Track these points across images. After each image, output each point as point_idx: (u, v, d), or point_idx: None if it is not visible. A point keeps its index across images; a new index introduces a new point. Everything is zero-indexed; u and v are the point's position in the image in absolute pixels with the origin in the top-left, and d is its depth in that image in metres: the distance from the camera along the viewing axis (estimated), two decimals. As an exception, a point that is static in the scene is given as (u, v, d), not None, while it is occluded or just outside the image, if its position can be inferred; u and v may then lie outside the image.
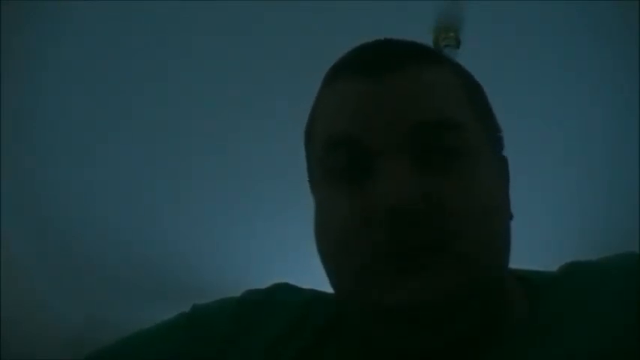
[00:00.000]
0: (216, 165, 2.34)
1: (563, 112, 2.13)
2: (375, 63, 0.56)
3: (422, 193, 0.50)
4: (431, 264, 0.50)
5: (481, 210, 0.53)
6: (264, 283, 0.69)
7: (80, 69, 2.03)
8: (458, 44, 1.88)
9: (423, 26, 1.87)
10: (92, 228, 2.58)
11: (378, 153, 0.52)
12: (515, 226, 0.58)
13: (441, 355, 0.52)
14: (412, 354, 0.53)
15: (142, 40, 1.95)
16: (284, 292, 0.67)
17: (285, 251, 2.59)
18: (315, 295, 0.66)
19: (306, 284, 0.69)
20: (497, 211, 0.55)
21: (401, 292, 0.50)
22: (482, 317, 0.53)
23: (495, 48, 1.87)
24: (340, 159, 0.54)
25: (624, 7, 1.75)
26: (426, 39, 1.87)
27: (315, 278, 0.71)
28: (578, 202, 2.44)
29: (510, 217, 0.58)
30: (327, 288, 0.68)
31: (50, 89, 2.09)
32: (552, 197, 2.36)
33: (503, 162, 0.61)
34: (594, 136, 2.21)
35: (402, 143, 0.52)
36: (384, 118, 0.53)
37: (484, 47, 1.88)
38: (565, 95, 2.08)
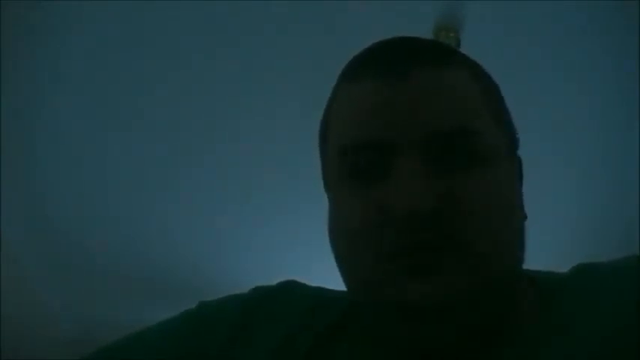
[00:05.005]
0: (218, 164, 2.34)
1: (563, 111, 2.14)
2: (393, 64, 0.55)
3: (435, 194, 0.51)
4: (441, 265, 0.51)
5: (495, 211, 0.53)
6: (265, 283, 0.69)
7: (81, 69, 2.03)
8: (458, 44, 1.88)
9: (423, 26, 1.87)
10: (92, 228, 2.58)
11: (396, 154, 0.53)
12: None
13: (453, 353, 0.53)
14: (423, 352, 0.54)
15: (144, 40, 1.95)
16: (292, 289, 0.67)
17: (287, 251, 2.59)
18: (323, 293, 0.66)
19: (308, 284, 0.69)
20: (511, 212, 0.56)
21: (412, 293, 0.51)
22: (494, 317, 0.54)
23: (495, 48, 1.87)
24: (358, 160, 0.54)
25: (624, 7, 1.75)
26: (426, 39, 1.87)
27: (318, 278, 0.71)
28: (576, 202, 2.44)
29: (524, 217, 0.59)
30: (331, 287, 0.68)
31: (50, 89, 2.09)
32: (551, 197, 2.36)
33: (518, 162, 0.62)
34: (594, 136, 2.21)
35: (419, 146, 0.52)
36: (403, 121, 0.53)
37: (484, 47, 1.88)
38: (565, 95, 2.08)
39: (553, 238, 2.32)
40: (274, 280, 0.68)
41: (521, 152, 0.62)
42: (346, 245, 0.55)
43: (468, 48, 1.91)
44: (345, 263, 0.56)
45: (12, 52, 1.94)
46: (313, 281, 0.68)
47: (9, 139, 2.22)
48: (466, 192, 0.52)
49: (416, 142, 0.52)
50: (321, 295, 0.66)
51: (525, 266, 0.60)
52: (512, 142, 0.60)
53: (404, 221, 0.50)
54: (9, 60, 1.95)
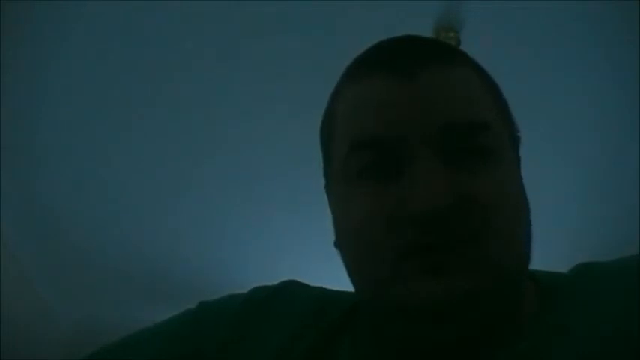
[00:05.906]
0: (217, 164, 2.34)
1: (563, 111, 2.14)
2: (403, 61, 0.55)
3: (454, 193, 0.50)
4: (456, 265, 0.50)
5: (509, 210, 0.53)
6: (265, 283, 0.69)
7: (81, 69, 2.03)
8: (458, 44, 1.88)
9: (423, 26, 1.87)
10: (92, 228, 2.58)
11: (410, 153, 0.52)
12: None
13: (453, 353, 0.53)
14: (424, 352, 0.54)
15: (146, 40, 1.95)
16: (292, 288, 0.67)
17: (287, 251, 2.59)
18: (324, 293, 0.66)
19: (309, 284, 0.69)
20: (523, 210, 0.56)
21: (425, 293, 0.50)
22: (500, 316, 0.54)
23: (495, 48, 1.87)
24: (369, 158, 0.54)
25: (624, 7, 1.75)
26: (426, 39, 1.87)
27: (318, 278, 0.71)
28: (576, 202, 2.44)
29: (529, 212, 0.58)
30: (331, 287, 0.68)
31: (50, 89, 2.09)
32: (551, 197, 2.36)
33: (519, 161, 0.62)
34: (594, 136, 2.21)
35: (433, 143, 0.52)
36: (416, 117, 0.53)
37: (484, 47, 1.88)
38: (565, 95, 2.08)
39: (553, 239, 2.32)
40: (274, 280, 0.68)
41: (522, 152, 0.62)
42: (358, 245, 0.54)
43: (468, 48, 1.91)
44: (356, 263, 0.55)
45: (12, 52, 1.94)
46: (313, 281, 0.68)
47: (9, 139, 2.22)
48: (482, 191, 0.52)
49: (429, 138, 0.52)
50: (322, 295, 0.66)
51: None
52: (515, 140, 0.60)
53: (422, 220, 0.50)
54: (9, 60, 1.96)
